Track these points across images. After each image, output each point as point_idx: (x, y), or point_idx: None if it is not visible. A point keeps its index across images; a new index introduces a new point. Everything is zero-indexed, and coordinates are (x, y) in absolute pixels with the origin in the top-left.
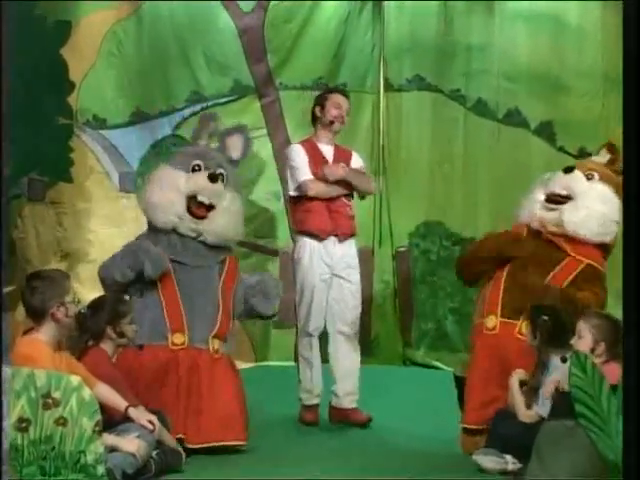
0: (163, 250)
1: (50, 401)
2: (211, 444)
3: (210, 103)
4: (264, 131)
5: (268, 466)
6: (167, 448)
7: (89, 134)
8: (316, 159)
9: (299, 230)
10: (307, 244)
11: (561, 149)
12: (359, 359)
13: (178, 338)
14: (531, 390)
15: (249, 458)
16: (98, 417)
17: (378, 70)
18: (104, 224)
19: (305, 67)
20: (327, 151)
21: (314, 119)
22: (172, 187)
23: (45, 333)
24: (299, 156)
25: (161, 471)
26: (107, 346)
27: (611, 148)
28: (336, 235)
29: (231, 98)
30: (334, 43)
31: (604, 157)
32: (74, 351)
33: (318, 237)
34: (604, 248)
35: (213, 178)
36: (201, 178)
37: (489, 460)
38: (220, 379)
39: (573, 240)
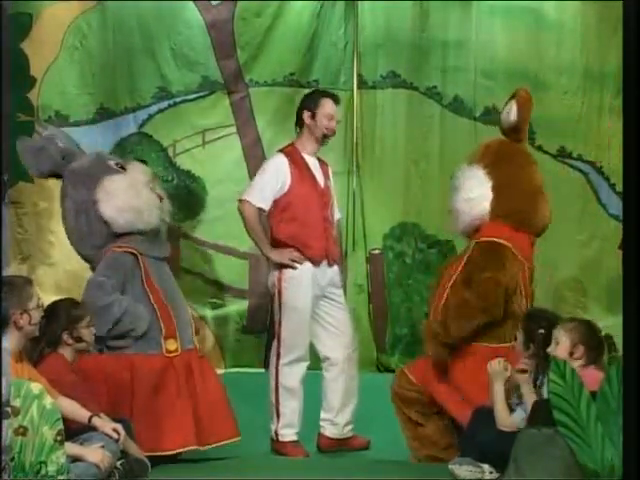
0: (142, 251)
1: (9, 409)
2: (215, 445)
3: (178, 99)
4: (233, 129)
5: (240, 475)
6: (132, 458)
7: None
8: (303, 174)
9: (298, 252)
10: (304, 266)
11: (540, 148)
12: (357, 383)
13: (172, 344)
14: (513, 395)
15: (221, 467)
16: (60, 426)
17: (352, 66)
18: None
19: (276, 63)
20: (313, 164)
21: (299, 123)
22: (139, 187)
23: (7, 341)
24: (274, 174)
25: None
26: (65, 352)
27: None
28: (327, 258)
29: (199, 94)
30: (306, 38)
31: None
32: (30, 359)
33: (315, 262)
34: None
35: (144, 162)
36: (142, 168)
37: (465, 470)
38: (209, 378)
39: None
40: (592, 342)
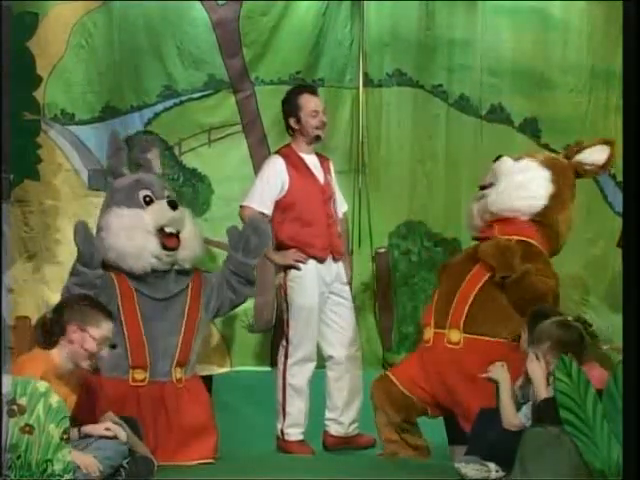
0: (134, 284)
1: (15, 408)
2: (176, 462)
3: (183, 98)
4: (239, 127)
5: (246, 475)
6: (138, 456)
7: (57, 130)
8: (301, 172)
9: (302, 251)
10: (308, 265)
11: (546, 146)
12: (361, 382)
13: (139, 374)
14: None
15: (227, 466)
16: (66, 424)
17: (358, 65)
18: (72, 223)
19: (282, 61)
20: (311, 162)
21: (289, 128)
22: (138, 229)
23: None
24: (272, 176)
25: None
26: None
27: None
28: (332, 254)
29: (205, 93)
30: (312, 36)
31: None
32: None
33: (319, 259)
34: (538, 224)
35: (174, 206)
36: (162, 209)
37: (471, 469)
38: (185, 404)
39: (503, 221)
40: (571, 348)
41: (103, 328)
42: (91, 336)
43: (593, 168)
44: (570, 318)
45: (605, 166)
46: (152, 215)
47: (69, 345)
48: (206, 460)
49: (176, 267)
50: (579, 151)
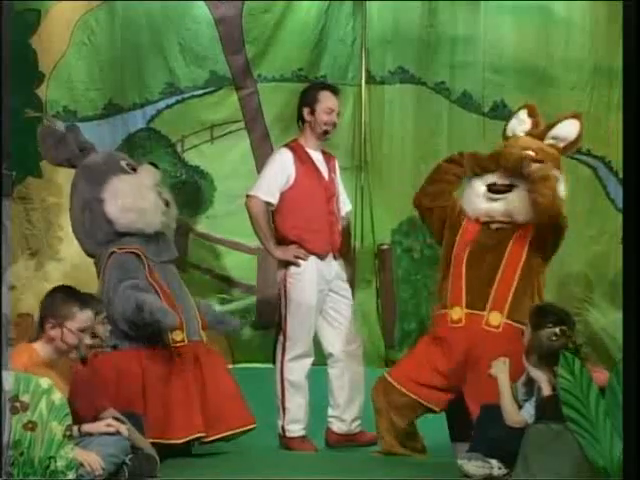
0: (147, 254)
1: (18, 405)
2: (226, 433)
3: (186, 95)
4: (241, 124)
5: (249, 472)
6: (141, 453)
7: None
8: (308, 167)
9: (302, 247)
10: (308, 261)
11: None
12: (363, 379)
13: (178, 335)
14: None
15: (232, 462)
16: (69, 421)
17: (360, 62)
18: None
19: (284, 58)
20: (317, 158)
21: (301, 119)
22: (144, 188)
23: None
24: (279, 168)
25: (134, 476)
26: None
27: (531, 110)
28: (332, 252)
29: (207, 90)
30: (314, 34)
31: (525, 121)
32: None
33: (320, 256)
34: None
35: (156, 166)
36: (151, 170)
37: (473, 465)
38: (219, 369)
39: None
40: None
41: (79, 319)
42: (69, 330)
43: (566, 144)
44: (557, 330)
45: (577, 142)
46: (147, 175)
47: (51, 341)
48: (249, 427)
49: (173, 226)
50: (549, 129)
